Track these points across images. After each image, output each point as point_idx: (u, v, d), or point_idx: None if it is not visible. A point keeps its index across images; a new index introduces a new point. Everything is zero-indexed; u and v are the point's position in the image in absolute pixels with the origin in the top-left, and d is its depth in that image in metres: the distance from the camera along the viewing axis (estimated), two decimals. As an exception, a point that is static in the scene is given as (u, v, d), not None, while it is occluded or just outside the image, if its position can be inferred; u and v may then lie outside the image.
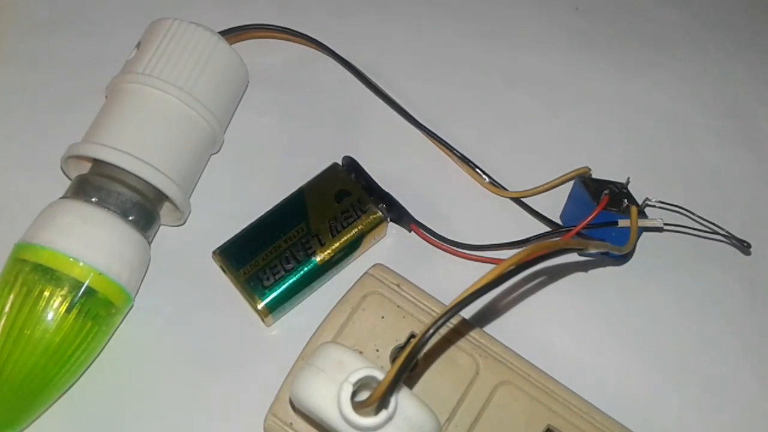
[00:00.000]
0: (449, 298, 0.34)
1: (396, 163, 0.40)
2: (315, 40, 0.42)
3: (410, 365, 0.24)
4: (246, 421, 0.33)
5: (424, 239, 0.38)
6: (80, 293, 0.31)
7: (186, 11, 0.40)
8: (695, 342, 0.38)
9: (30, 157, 0.38)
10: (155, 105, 0.35)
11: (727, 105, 0.46)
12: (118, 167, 0.33)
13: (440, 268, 0.38)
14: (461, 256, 0.38)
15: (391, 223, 0.38)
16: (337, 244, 0.35)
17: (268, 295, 0.34)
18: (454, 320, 0.32)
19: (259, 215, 0.36)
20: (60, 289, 0.30)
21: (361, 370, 0.24)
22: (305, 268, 0.35)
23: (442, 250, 0.38)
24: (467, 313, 0.34)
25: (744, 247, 0.39)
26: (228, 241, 0.36)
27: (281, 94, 0.42)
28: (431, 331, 0.24)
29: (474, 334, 0.33)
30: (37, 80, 0.41)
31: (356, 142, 0.41)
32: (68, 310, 0.30)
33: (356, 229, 0.36)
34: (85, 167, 0.35)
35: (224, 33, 0.39)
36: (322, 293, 0.36)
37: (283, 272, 0.35)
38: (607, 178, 0.39)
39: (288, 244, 0.35)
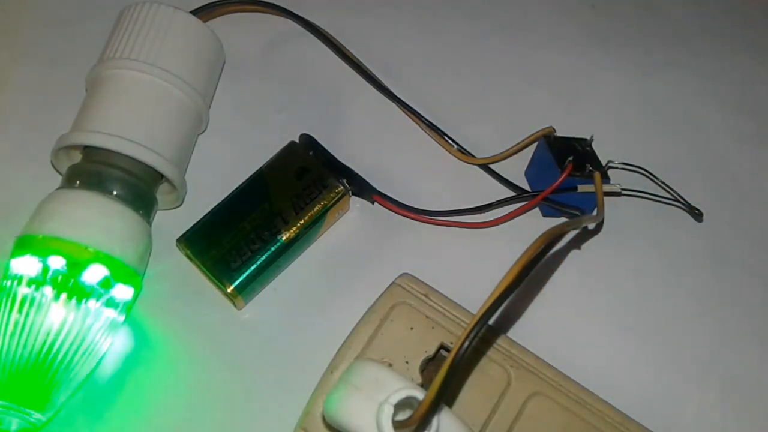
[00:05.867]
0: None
1: (367, 137, 0.41)
2: (287, 10, 0.42)
3: (450, 383, 0.23)
4: (233, 409, 0.33)
5: (388, 209, 0.38)
6: (93, 279, 0.30)
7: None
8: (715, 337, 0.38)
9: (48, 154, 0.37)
10: (133, 86, 0.34)
11: (746, 104, 0.45)
12: (109, 151, 0.33)
13: (408, 237, 0.38)
14: (427, 222, 0.38)
15: (355, 197, 0.38)
16: (301, 222, 0.35)
17: (237, 278, 0.34)
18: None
19: (221, 199, 0.36)
20: (70, 276, 0.30)
21: (401, 391, 0.24)
22: (272, 248, 0.35)
23: (408, 217, 0.38)
24: (492, 319, 0.33)
25: (696, 214, 0.40)
26: (191, 227, 0.35)
27: (249, 72, 0.42)
28: (466, 344, 0.24)
29: (503, 343, 0.32)
30: (54, 78, 0.40)
31: (327, 118, 0.41)
32: (82, 296, 0.30)
33: (319, 205, 0.36)
34: (75, 159, 0.35)
35: (195, 11, 0.39)
36: (290, 272, 0.37)
37: (249, 254, 0.34)
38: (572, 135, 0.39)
39: (252, 225, 0.35)
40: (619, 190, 0.38)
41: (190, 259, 0.35)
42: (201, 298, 0.36)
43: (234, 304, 0.35)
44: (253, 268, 0.34)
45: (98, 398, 0.33)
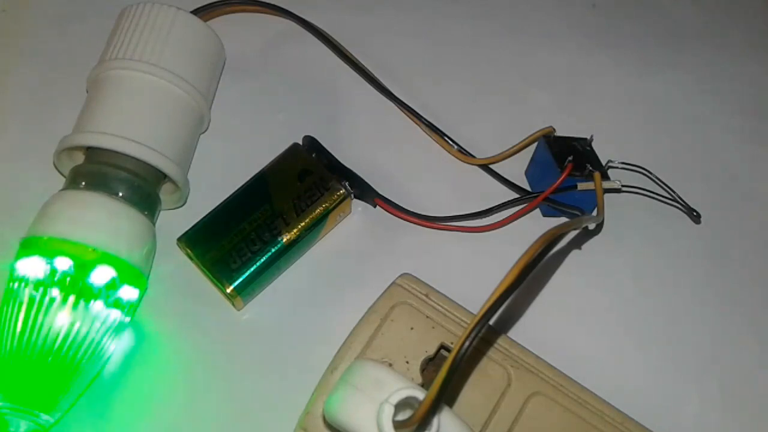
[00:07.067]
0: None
1: (366, 137, 0.41)
2: (287, 11, 0.42)
3: (451, 383, 0.23)
4: (233, 409, 0.33)
5: (390, 213, 0.38)
6: (100, 280, 0.30)
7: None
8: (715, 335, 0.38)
9: (49, 154, 0.37)
10: (135, 86, 0.35)
11: (745, 104, 0.45)
12: (113, 151, 0.33)
13: (409, 240, 0.38)
14: (429, 227, 0.38)
15: (356, 200, 0.38)
16: (302, 224, 0.35)
17: (237, 278, 0.34)
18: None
19: (222, 199, 0.36)
20: (77, 277, 0.30)
21: (402, 391, 0.24)
22: (272, 249, 0.35)
23: (410, 222, 0.38)
24: (493, 319, 0.34)
25: (695, 216, 0.40)
26: (192, 227, 0.35)
27: (249, 72, 0.42)
28: (467, 344, 0.24)
29: (504, 343, 0.32)
30: (54, 78, 0.40)
31: (327, 119, 0.41)
32: (89, 298, 0.30)
33: (321, 207, 0.36)
34: (78, 159, 0.35)
35: (196, 11, 0.39)
36: (290, 273, 0.37)
37: (249, 254, 0.34)
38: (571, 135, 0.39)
39: (253, 226, 0.35)
40: (619, 186, 0.38)
41: (191, 259, 0.35)
42: (201, 298, 0.36)
43: (233, 304, 0.35)
44: (252, 269, 0.34)
45: (99, 397, 0.33)
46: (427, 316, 0.32)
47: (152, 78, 0.35)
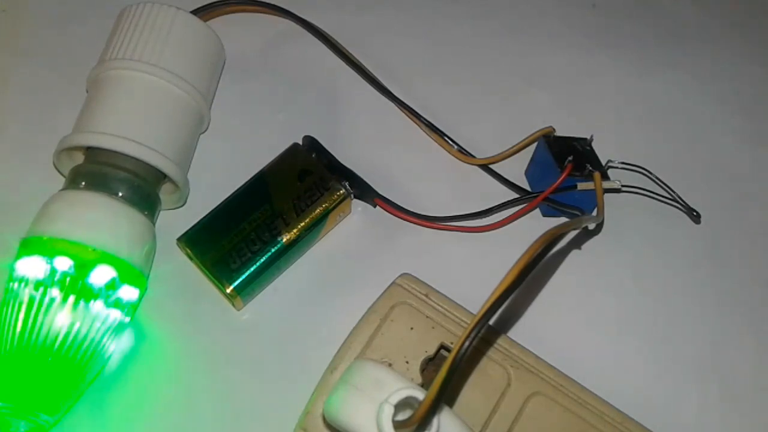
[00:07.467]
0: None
1: (366, 137, 0.41)
2: (287, 11, 0.42)
3: (451, 383, 0.23)
4: (233, 409, 0.33)
5: (390, 213, 0.38)
6: (100, 280, 0.30)
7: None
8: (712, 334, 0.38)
9: (49, 154, 0.37)
10: (135, 86, 0.34)
11: (745, 104, 0.45)
12: (113, 151, 0.33)
13: (409, 240, 0.38)
14: (429, 227, 0.38)
15: (356, 200, 0.38)
16: (302, 224, 0.35)
17: (236, 278, 0.34)
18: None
19: (222, 200, 0.36)
20: (77, 277, 0.30)
21: (401, 391, 0.24)
22: (272, 249, 0.35)
23: (410, 222, 0.38)
24: (492, 319, 0.34)
25: (694, 216, 0.40)
26: (192, 227, 0.35)
27: (249, 72, 0.42)
28: (467, 344, 0.24)
29: (503, 343, 0.32)
30: (54, 78, 0.40)
31: (327, 119, 0.41)
32: (89, 298, 0.30)
33: (320, 207, 0.36)
34: (77, 159, 0.35)
35: (196, 11, 0.40)
36: (290, 273, 0.37)
37: (249, 254, 0.34)
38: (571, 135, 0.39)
39: (253, 226, 0.35)
40: (619, 186, 0.38)
41: (191, 259, 0.35)
42: (201, 298, 0.36)
43: (233, 304, 0.35)
44: (252, 269, 0.34)
45: (99, 397, 0.33)
46: (427, 316, 0.32)
47: (152, 78, 0.35)
